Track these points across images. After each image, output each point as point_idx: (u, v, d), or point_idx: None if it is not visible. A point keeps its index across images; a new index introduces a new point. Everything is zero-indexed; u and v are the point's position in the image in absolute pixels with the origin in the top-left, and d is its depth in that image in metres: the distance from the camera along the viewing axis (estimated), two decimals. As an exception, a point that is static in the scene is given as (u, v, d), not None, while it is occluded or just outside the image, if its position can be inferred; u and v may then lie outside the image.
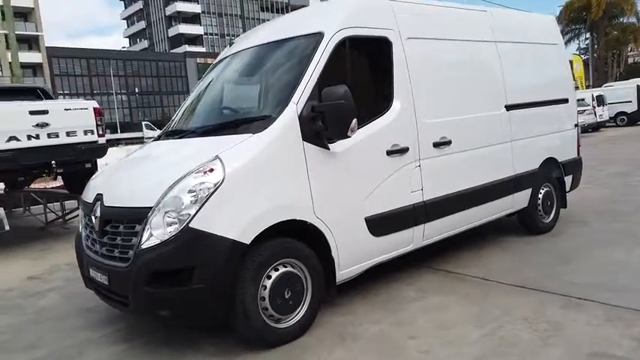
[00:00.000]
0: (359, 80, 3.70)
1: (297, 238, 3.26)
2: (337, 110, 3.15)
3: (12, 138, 6.12)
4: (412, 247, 4.02)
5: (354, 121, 3.22)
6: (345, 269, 3.51)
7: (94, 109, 6.91)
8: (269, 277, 3.10)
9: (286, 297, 3.15)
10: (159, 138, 4.05)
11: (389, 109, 3.81)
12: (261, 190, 3.06)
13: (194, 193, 2.89)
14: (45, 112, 6.39)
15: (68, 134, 6.55)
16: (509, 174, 4.85)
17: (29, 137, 6.25)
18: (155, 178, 3.11)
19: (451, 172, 4.25)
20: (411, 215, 3.91)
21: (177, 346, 3.28)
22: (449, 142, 4.19)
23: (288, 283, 3.16)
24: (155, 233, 2.88)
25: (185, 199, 2.87)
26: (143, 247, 2.89)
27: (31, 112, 6.28)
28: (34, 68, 53.45)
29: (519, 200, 5.03)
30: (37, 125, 6.30)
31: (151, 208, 2.92)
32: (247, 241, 2.95)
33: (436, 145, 4.10)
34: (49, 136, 6.40)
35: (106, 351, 3.33)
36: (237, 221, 2.94)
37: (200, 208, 2.86)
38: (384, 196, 3.71)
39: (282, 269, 3.15)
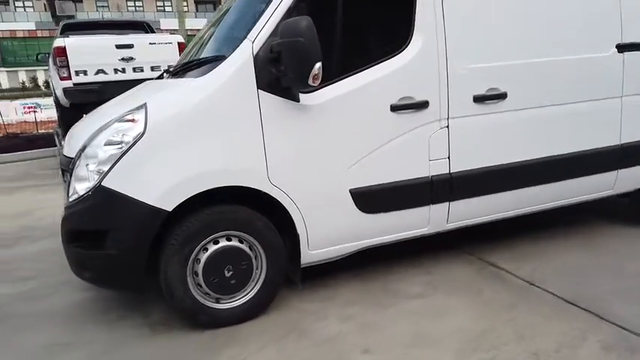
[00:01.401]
0: (360, 11, 2.84)
1: (254, 207, 2.72)
2: (294, 50, 2.41)
3: (100, 71, 6.43)
4: (428, 229, 3.15)
5: (318, 65, 2.44)
6: (318, 249, 2.88)
7: (179, 43, 6.91)
8: (206, 249, 2.64)
9: (227, 275, 2.67)
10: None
11: (404, 49, 2.88)
12: (192, 148, 2.54)
13: (114, 146, 2.50)
14: (130, 46, 6.55)
15: (152, 69, 6.68)
16: (612, 142, 3.51)
17: (115, 71, 6.51)
18: (98, 125, 2.79)
19: (502, 136, 3.17)
20: (427, 190, 3.03)
21: (129, 308, 3.06)
22: (502, 96, 3.09)
23: (229, 259, 2.67)
24: (77, 187, 2.59)
25: (100, 152, 2.51)
26: (70, 200, 2.64)
27: (118, 46, 6.48)
28: (214, 3, 57.85)
29: (627, 179, 3.66)
30: (123, 59, 6.51)
31: None
32: (169, 207, 2.50)
33: (479, 99, 3.05)
34: (134, 70, 6.59)
35: (76, 295, 3.29)
36: (157, 184, 2.50)
37: (114, 164, 2.48)
38: (382, 163, 2.90)
39: (223, 243, 2.66)
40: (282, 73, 2.53)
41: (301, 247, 2.82)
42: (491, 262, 3.42)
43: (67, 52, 6.29)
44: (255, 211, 2.72)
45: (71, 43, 6.38)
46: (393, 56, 2.86)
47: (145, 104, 2.54)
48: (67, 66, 6.30)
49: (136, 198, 2.47)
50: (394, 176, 2.94)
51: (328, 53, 2.73)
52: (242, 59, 2.57)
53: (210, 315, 2.70)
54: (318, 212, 2.81)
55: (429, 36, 2.89)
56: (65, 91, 6.41)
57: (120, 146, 2.48)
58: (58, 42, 6.42)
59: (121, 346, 2.64)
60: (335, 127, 2.77)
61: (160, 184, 2.49)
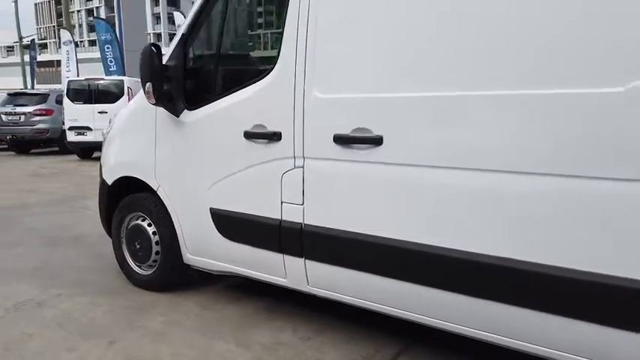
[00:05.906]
0: (241, 33, 2.75)
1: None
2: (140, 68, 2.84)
3: None
4: (289, 283, 2.69)
5: (147, 85, 2.78)
6: (194, 256, 3.11)
7: None
8: (132, 220, 3.44)
9: (137, 247, 3.38)
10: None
11: (267, 74, 2.59)
12: (122, 143, 3.40)
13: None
14: None
15: None
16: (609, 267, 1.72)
17: None
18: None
19: (377, 197, 2.26)
20: (277, 235, 2.62)
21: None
22: (376, 141, 2.21)
23: (138, 235, 3.36)
24: None
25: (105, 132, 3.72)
26: None
27: None
28: None
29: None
30: None
31: None
32: (109, 181, 3.47)
33: (342, 140, 2.31)
34: None
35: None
36: (107, 163, 3.52)
37: (104, 139, 3.64)
38: (234, 191, 2.78)
39: (138, 221, 3.37)
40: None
41: (181, 246, 3.14)
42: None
43: None
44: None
45: None
46: (257, 81, 2.64)
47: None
48: None
49: (102, 168, 3.59)
50: (244, 208, 2.74)
51: (209, 76, 2.92)
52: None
53: (128, 272, 3.50)
54: (188, 220, 3.06)
55: (286, 60, 2.47)
56: None
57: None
58: None
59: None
60: (199, 147, 2.91)
61: (107, 163, 3.52)
